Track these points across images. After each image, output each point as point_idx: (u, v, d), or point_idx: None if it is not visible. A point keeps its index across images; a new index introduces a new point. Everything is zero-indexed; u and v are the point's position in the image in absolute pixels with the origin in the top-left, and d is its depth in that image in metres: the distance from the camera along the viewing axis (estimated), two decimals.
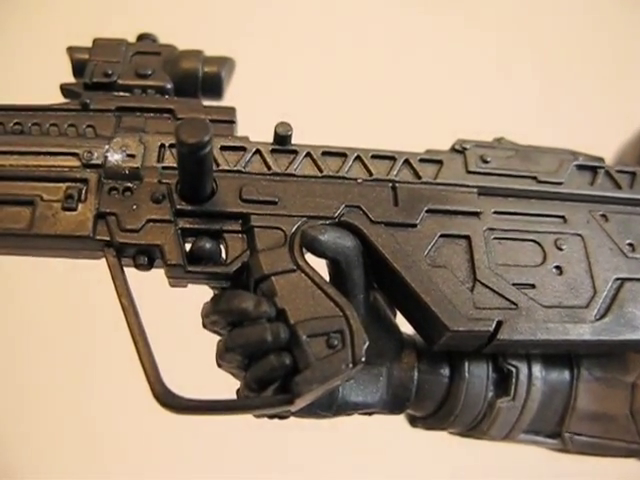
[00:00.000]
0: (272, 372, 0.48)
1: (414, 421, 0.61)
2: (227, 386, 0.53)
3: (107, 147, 0.54)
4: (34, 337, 1.20)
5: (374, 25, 1.36)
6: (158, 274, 0.55)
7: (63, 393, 1.18)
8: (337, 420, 0.58)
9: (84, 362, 1.21)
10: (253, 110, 0.65)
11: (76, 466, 1.18)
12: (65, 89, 0.59)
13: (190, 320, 0.60)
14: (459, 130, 0.64)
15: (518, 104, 1.29)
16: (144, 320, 0.50)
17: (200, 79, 0.59)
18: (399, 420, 0.66)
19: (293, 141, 0.56)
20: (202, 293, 0.56)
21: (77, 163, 0.53)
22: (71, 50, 0.60)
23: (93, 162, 0.53)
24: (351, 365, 0.48)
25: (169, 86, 0.58)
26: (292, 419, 0.56)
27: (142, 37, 0.62)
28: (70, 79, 0.60)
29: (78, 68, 0.59)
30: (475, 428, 0.58)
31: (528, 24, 1.43)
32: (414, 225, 0.54)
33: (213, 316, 0.51)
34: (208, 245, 0.52)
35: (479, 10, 1.42)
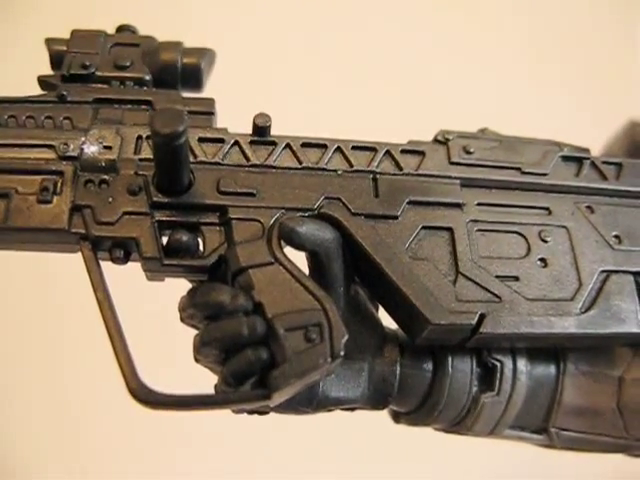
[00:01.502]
0: (249, 366, 0.47)
1: (397, 417, 0.61)
2: (207, 381, 0.53)
3: (83, 139, 0.53)
4: (17, 335, 1.19)
5: (357, 14, 1.35)
6: (136, 268, 0.54)
7: (46, 391, 1.18)
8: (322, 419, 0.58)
9: (64, 359, 1.20)
10: (234, 102, 0.65)
11: (71, 465, 1.18)
12: (42, 81, 0.58)
13: (168, 315, 0.60)
14: (445, 122, 0.63)
15: (508, 97, 1.28)
16: (120, 314, 0.50)
17: (179, 70, 0.58)
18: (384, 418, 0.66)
19: (273, 132, 0.56)
20: (180, 287, 0.56)
21: (53, 155, 0.52)
22: (49, 42, 0.59)
23: (69, 154, 0.52)
24: (329, 359, 0.47)
25: (148, 78, 0.58)
26: (273, 416, 0.56)
27: (121, 28, 0.61)
28: (48, 71, 0.60)
29: (56, 60, 0.58)
30: (459, 424, 0.57)
31: (522, 18, 1.42)
32: (395, 217, 0.54)
33: (190, 309, 0.50)
34: (185, 238, 0.51)
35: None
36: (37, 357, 1.19)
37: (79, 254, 0.52)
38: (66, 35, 0.60)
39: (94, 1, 1.14)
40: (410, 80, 1.29)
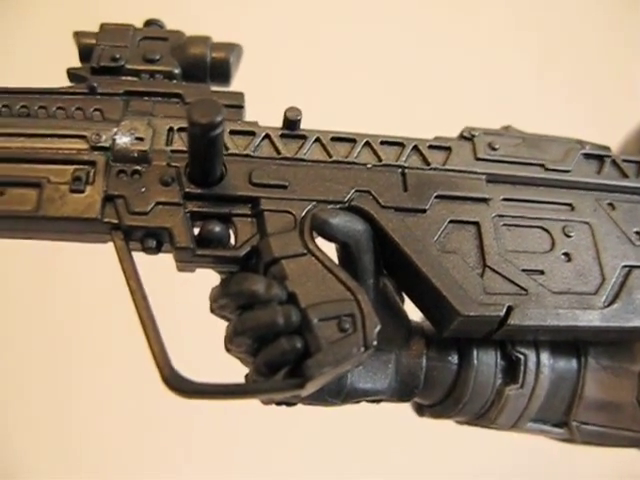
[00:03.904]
0: (283, 355, 0.47)
1: (421, 410, 0.61)
2: (231, 373, 0.53)
3: (115, 130, 0.53)
4: (17, 335, 1.19)
5: (385, 10, 1.36)
6: (165, 259, 0.55)
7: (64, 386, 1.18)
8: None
9: (65, 359, 1.20)
10: (258, 96, 0.65)
11: (71, 465, 1.17)
12: (72, 73, 0.58)
13: (194, 306, 0.59)
14: (464, 119, 0.64)
15: (513, 99, 1.30)
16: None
17: (208, 65, 0.59)
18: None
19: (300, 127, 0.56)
20: (207, 278, 0.56)
21: (85, 146, 0.52)
22: (78, 35, 0.59)
23: (101, 145, 0.52)
24: (363, 349, 0.47)
25: (177, 71, 0.58)
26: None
27: (149, 23, 0.61)
28: (72, 64, 0.60)
29: (85, 53, 0.59)
30: (483, 416, 0.57)
31: (529, 20, 1.44)
32: (424, 210, 0.54)
33: (222, 299, 0.50)
34: (217, 228, 0.51)
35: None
36: (37, 357, 1.19)
37: (104, 245, 0.53)
38: (89, 28, 0.61)
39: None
40: (414, 80, 1.31)
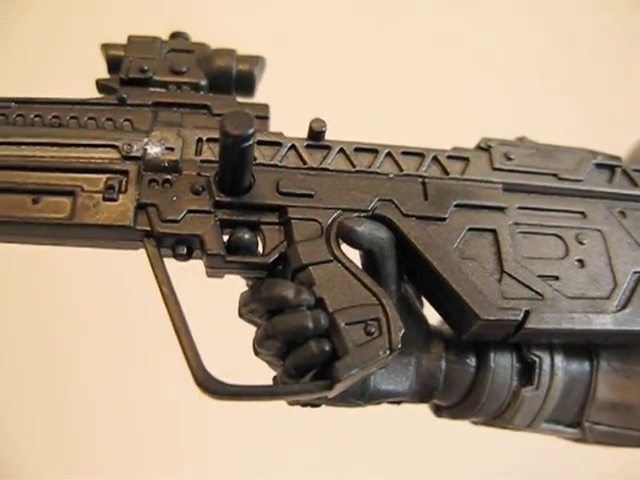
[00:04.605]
0: (312, 358, 0.49)
1: (439, 410, 0.63)
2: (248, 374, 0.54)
3: (146, 140, 0.55)
4: (17, 335, 1.20)
5: (405, 23, 1.39)
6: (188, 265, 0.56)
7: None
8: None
9: (65, 359, 1.21)
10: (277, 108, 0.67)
11: (71, 465, 1.18)
12: (101, 84, 0.60)
13: (214, 311, 0.61)
14: (464, 119, 0.66)
15: (516, 105, 1.32)
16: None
17: (234, 77, 0.60)
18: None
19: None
20: (221, 283, 0.57)
21: (117, 155, 0.54)
22: (106, 46, 0.61)
23: (133, 154, 0.54)
24: (388, 352, 0.49)
25: (203, 83, 0.60)
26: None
27: (175, 35, 0.63)
28: (72, 64, 0.61)
29: (113, 64, 0.60)
30: (499, 417, 0.60)
31: (533, 24, 1.46)
32: (443, 219, 0.56)
33: (253, 304, 0.52)
34: (247, 236, 0.53)
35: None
36: (38, 357, 1.19)
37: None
38: (112, 40, 0.63)
39: (142, 10, 1.16)
40: (418, 87, 1.33)
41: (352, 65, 1.31)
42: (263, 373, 0.56)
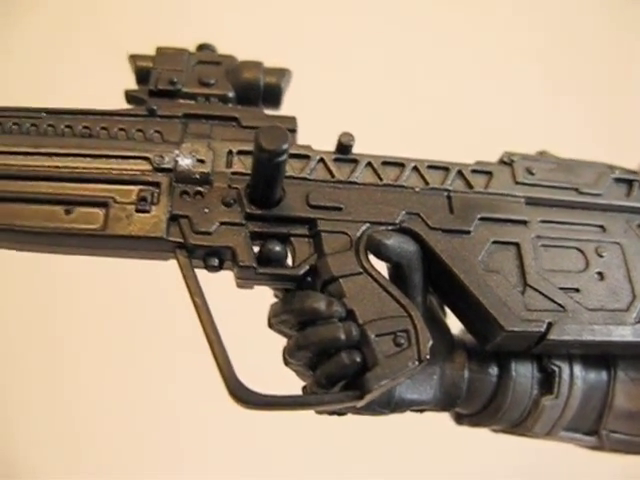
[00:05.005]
0: (343, 369, 0.50)
1: (460, 418, 0.64)
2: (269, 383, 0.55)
3: (177, 152, 0.56)
4: (18, 335, 1.20)
5: (405, 23, 1.40)
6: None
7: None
8: None
9: (65, 359, 1.21)
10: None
11: (71, 465, 1.18)
12: (130, 95, 0.61)
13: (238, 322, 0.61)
14: (477, 131, 0.67)
15: (520, 112, 1.33)
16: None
17: (261, 89, 0.61)
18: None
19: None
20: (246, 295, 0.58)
21: (148, 167, 0.55)
22: (134, 58, 0.62)
23: (164, 166, 0.55)
24: (417, 362, 0.50)
25: (231, 95, 0.61)
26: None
27: (202, 47, 0.64)
28: (72, 64, 0.61)
29: (141, 75, 0.61)
30: (520, 425, 0.61)
31: (561, 26, 1.47)
32: (468, 232, 0.58)
33: (284, 315, 0.53)
34: (277, 248, 0.54)
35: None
36: (38, 357, 1.19)
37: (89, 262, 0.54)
38: (63, 32, 0.62)
39: (168, 23, 1.17)
40: (418, 87, 1.34)
41: (352, 65, 1.32)
42: (281, 381, 0.57)
